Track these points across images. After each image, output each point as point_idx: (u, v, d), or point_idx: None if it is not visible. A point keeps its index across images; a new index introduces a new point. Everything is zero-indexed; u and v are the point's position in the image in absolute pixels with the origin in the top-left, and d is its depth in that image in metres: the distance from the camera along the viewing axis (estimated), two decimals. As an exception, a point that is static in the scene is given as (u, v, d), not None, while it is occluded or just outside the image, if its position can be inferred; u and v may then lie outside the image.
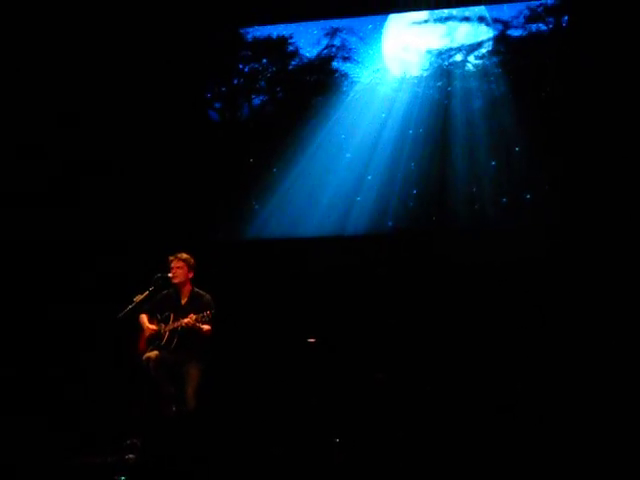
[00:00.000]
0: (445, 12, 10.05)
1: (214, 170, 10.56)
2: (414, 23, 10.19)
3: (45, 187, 10.03)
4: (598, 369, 8.58)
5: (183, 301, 8.07)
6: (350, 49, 10.37)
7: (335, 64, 10.45)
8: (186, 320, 7.67)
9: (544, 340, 8.95)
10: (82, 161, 10.22)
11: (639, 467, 6.95)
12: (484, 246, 9.48)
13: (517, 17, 9.73)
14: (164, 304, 8.08)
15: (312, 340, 9.00)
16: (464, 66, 9.91)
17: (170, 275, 7.98)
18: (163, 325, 7.96)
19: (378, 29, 10.29)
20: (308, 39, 10.60)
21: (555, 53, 9.57)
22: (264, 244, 10.28)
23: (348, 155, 10.19)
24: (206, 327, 7.73)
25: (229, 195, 10.53)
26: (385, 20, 10.28)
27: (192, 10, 10.55)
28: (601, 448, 7.39)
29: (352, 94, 10.30)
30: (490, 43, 9.83)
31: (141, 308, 7.95)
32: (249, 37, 10.89)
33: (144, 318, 8.07)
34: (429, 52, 10.04)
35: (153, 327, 8.00)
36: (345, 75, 10.39)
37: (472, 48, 9.88)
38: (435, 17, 10.12)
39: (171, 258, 8.04)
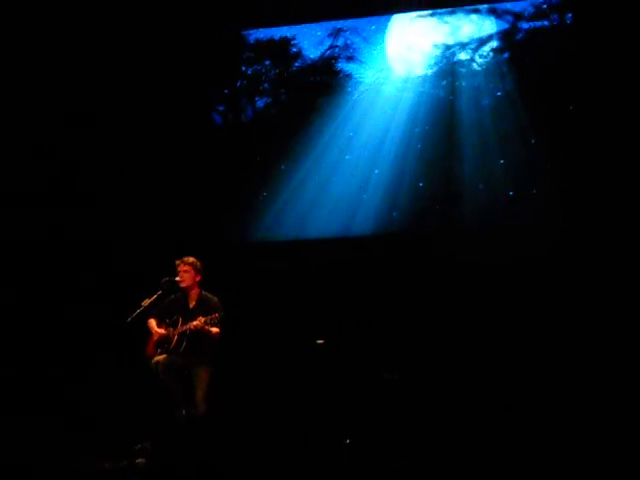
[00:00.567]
0: (449, 11, 10.02)
1: (220, 173, 10.54)
2: (418, 20, 10.13)
3: (53, 187, 10.05)
4: (604, 369, 8.54)
5: (191, 304, 8.05)
6: (354, 49, 10.34)
7: (339, 65, 10.41)
8: (194, 323, 7.65)
9: (550, 339, 8.92)
10: (91, 163, 10.25)
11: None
12: (491, 244, 9.46)
13: (521, 14, 9.69)
14: (172, 308, 8.06)
15: (321, 341, 8.99)
16: (469, 64, 9.87)
17: (177, 279, 7.96)
18: (172, 329, 7.93)
19: (382, 29, 10.25)
20: (311, 40, 10.58)
21: (560, 50, 9.52)
22: (271, 246, 10.27)
23: (354, 155, 10.15)
24: (215, 330, 7.71)
25: (235, 197, 10.51)
26: (388, 20, 10.24)
27: (194, 13, 10.53)
28: (604, 448, 7.38)
29: (356, 94, 10.26)
30: (494, 41, 9.79)
31: (149, 312, 7.93)
32: (251, 39, 10.87)
33: (153, 322, 8.05)
34: (433, 51, 10.01)
35: (162, 331, 7.97)
36: (349, 75, 10.35)
37: (476, 46, 9.84)
38: (438, 15, 10.07)
39: (177, 262, 8.02)
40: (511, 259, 9.24)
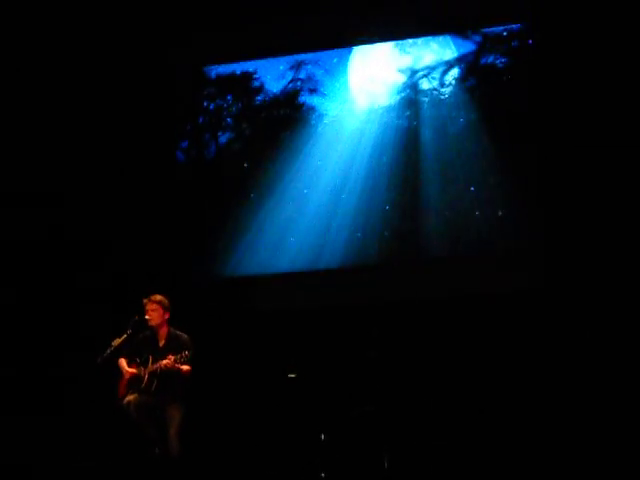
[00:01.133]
0: (410, 42, 10.08)
1: (186, 210, 10.47)
2: (379, 51, 10.21)
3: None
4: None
5: (161, 343, 7.96)
6: (316, 82, 10.35)
7: (302, 98, 10.42)
8: (165, 362, 7.58)
9: (519, 368, 8.90)
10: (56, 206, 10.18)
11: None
12: (460, 274, 9.47)
13: (481, 42, 9.77)
14: (142, 347, 7.96)
15: (292, 375, 8.95)
16: (432, 93, 9.90)
17: (146, 317, 7.89)
18: (142, 368, 7.83)
19: (343, 62, 10.29)
20: (273, 73, 10.60)
21: (521, 76, 9.61)
22: (239, 281, 10.19)
23: (320, 188, 10.12)
24: (185, 367, 7.64)
25: (202, 234, 10.44)
26: (350, 52, 10.29)
27: (153, 49, 10.53)
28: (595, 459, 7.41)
29: (320, 127, 10.26)
30: (456, 69, 9.86)
31: (119, 352, 7.84)
32: (212, 74, 10.87)
33: (123, 362, 7.93)
34: (396, 82, 10.05)
35: (132, 370, 7.86)
36: (312, 108, 10.35)
37: (438, 75, 9.90)
38: (400, 46, 10.13)
39: (145, 300, 7.94)
40: (480, 287, 9.25)
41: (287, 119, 10.49)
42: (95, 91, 10.41)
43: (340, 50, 10.35)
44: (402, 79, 10.04)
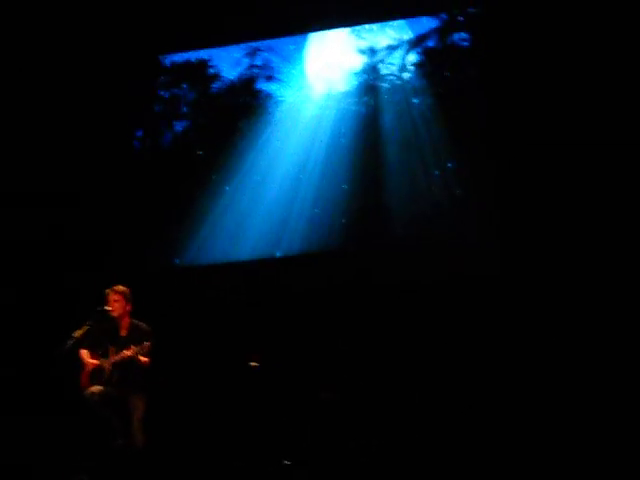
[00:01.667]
0: (366, 27, 10.07)
1: (142, 199, 10.38)
2: (335, 37, 10.19)
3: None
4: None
5: (122, 333, 7.90)
6: (273, 68, 10.34)
7: (258, 85, 10.40)
8: (127, 352, 7.53)
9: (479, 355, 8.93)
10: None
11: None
12: (419, 256, 9.48)
13: (438, 27, 9.79)
14: (104, 338, 7.88)
15: (254, 364, 8.93)
16: (388, 79, 9.93)
17: (108, 308, 7.84)
18: (104, 359, 7.78)
19: (300, 48, 10.29)
20: (228, 61, 10.55)
21: (476, 60, 9.64)
22: (199, 270, 10.13)
23: (279, 175, 10.07)
24: (144, 359, 7.61)
25: (161, 223, 10.34)
26: (306, 39, 10.26)
27: (107, 38, 10.43)
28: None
29: (278, 114, 10.24)
30: (412, 54, 9.88)
31: (80, 343, 7.76)
32: (167, 62, 10.79)
33: (84, 353, 7.85)
34: (352, 67, 10.06)
35: (94, 362, 7.80)
36: (269, 95, 10.32)
37: (394, 60, 9.91)
38: (356, 32, 10.12)
39: (107, 291, 7.89)
40: (439, 272, 9.27)
41: (244, 106, 10.46)
42: (50, 81, 10.29)
43: (296, 37, 10.30)
44: (359, 65, 10.06)
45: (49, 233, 10.05)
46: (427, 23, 9.89)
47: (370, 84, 9.97)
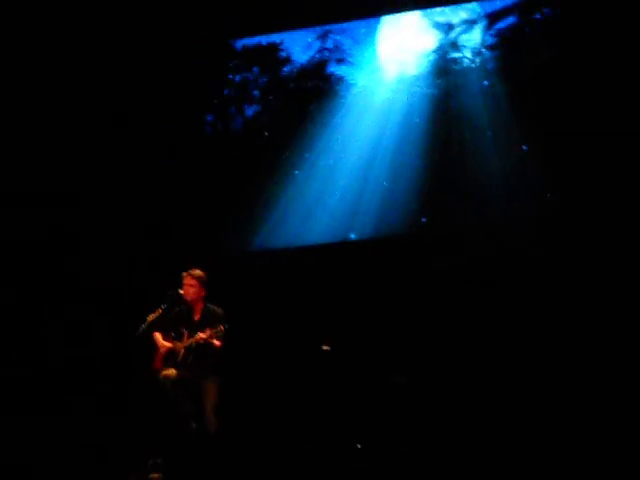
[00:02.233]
0: (438, 10, 9.95)
1: (214, 184, 10.41)
2: (408, 20, 10.08)
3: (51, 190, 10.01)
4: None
5: (196, 317, 7.94)
6: (344, 51, 10.24)
7: (329, 68, 10.31)
8: (201, 336, 7.57)
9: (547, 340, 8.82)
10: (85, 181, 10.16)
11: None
12: (489, 241, 9.38)
13: (511, 9, 9.63)
14: (177, 321, 7.94)
15: (326, 347, 8.93)
16: (461, 61, 9.78)
17: (183, 292, 7.87)
18: (178, 342, 7.84)
19: (372, 31, 10.18)
20: (300, 44, 10.49)
21: (550, 43, 9.47)
22: (270, 254, 10.14)
23: (350, 159, 10.02)
24: (218, 342, 7.62)
25: (232, 207, 10.37)
26: (378, 22, 10.17)
27: (178, 23, 10.44)
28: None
29: (349, 98, 10.16)
30: (486, 37, 9.72)
31: (155, 326, 7.83)
32: (238, 46, 10.77)
33: (158, 336, 7.93)
34: (425, 50, 9.93)
35: (168, 345, 7.87)
36: (340, 78, 10.24)
37: (468, 43, 9.78)
38: (428, 15, 10.00)
39: (185, 274, 7.92)
40: (510, 257, 9.17)
41: (315, 90, 10.38)
42: (118, 67, 10.36)
43: (368, 20, 10.21)
44: (432, 47, 9.92)
45: (126, 219, 10.16)
46: (500, 3, 9.69)
47: (443, 66, 9.85)
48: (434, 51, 9.90)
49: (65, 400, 9.23)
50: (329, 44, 10.34)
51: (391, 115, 9.92)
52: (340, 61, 10.26)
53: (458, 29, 9.85)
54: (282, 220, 10.14)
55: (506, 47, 9.68)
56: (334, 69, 10.28)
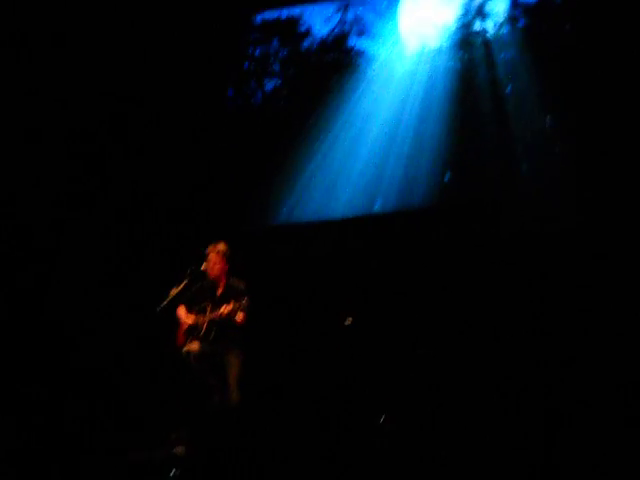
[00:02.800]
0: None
1: (235, 159, 10.40)
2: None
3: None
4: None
5: (219, 292, 7.97)
6: (364, 23, 10.17)
7: (350, 41, 10.25)
8: (224, 310, 7.60)
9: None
10: (108, 156, 10.16)
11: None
12: (514, 218, 9.33)
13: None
14: (200, 295, 7.97)
15: (349, 321, 8.92)
16: (484, 35, 9.71)
17: (206, 267, 7.89)
18: (201, 316, 7.86)
19: (393, 4, 10.10)
20: (320, 17, 10.43)
21: (576, 15, 9.37)
22: (293, 229, 10.14)
23: (372, 133, 9.96)
24: (241, 316, 7.63)
25: (254, 182, 10.33)
26: (399, -5, 10.10)
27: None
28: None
29: (370, 71, 10.09)
30: (509, 10, 9.63)
31: (178, 300, 7.86)
32: (257, 19, 10.72)
33: (181, 310, 7.97)
34: (447, 23, 9.85)
35: (191, 319, 7.91)
36: (361, 52, 10.18)
37: (490, 16, 9.70)
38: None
39: (210, 248, 7.94)
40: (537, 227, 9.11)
41: (335, 64, 10.32)
42: (137, 40, 10.33)
43: (390, -7, 10.14)
44: (453, 20, 9.83)
45: (150, 197, 10.19)
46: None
47: (464, 40, 9.77)
48: (455, 24, 9.80)
49: (88, 371, 9.29)
50: (349, 17, 10.25)
51: (412, 88, 9.85)
52: (361, 34, 10.19)
53: (480, 1, 9.75)
54: (305, 194, 10.10)
55: (529, 18, 9.57)
56: (354, 42, 10.21)
